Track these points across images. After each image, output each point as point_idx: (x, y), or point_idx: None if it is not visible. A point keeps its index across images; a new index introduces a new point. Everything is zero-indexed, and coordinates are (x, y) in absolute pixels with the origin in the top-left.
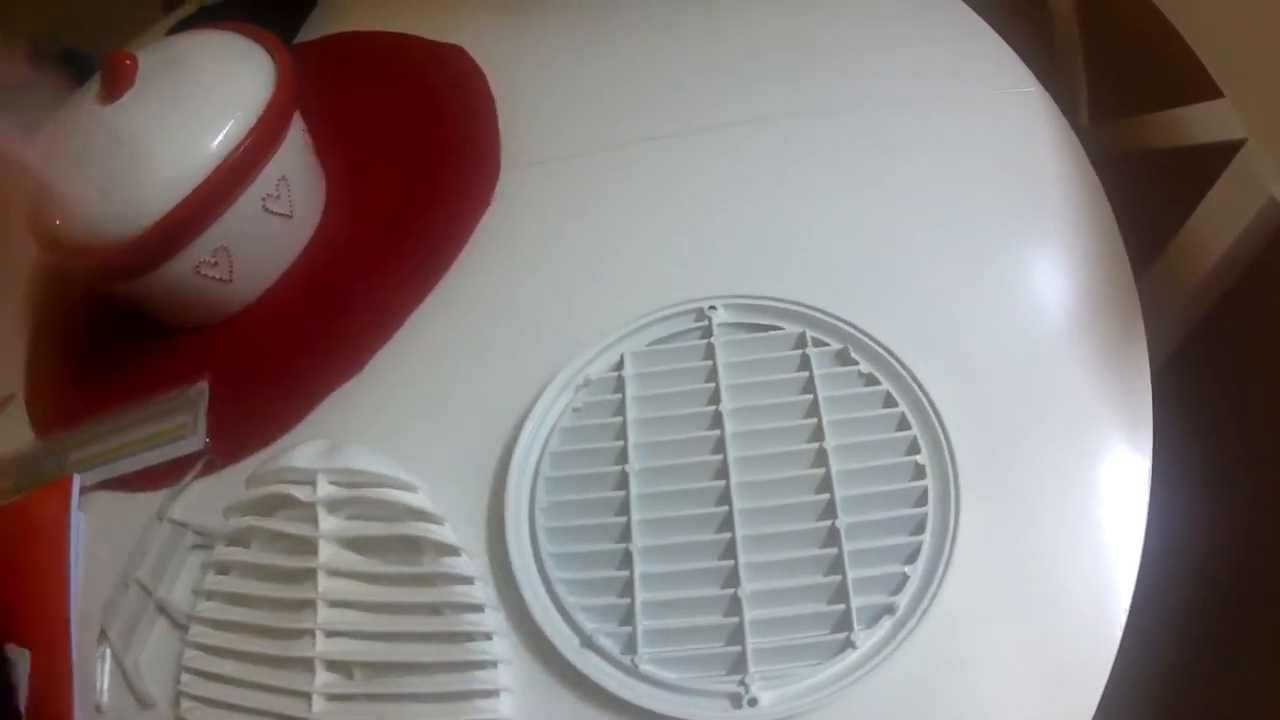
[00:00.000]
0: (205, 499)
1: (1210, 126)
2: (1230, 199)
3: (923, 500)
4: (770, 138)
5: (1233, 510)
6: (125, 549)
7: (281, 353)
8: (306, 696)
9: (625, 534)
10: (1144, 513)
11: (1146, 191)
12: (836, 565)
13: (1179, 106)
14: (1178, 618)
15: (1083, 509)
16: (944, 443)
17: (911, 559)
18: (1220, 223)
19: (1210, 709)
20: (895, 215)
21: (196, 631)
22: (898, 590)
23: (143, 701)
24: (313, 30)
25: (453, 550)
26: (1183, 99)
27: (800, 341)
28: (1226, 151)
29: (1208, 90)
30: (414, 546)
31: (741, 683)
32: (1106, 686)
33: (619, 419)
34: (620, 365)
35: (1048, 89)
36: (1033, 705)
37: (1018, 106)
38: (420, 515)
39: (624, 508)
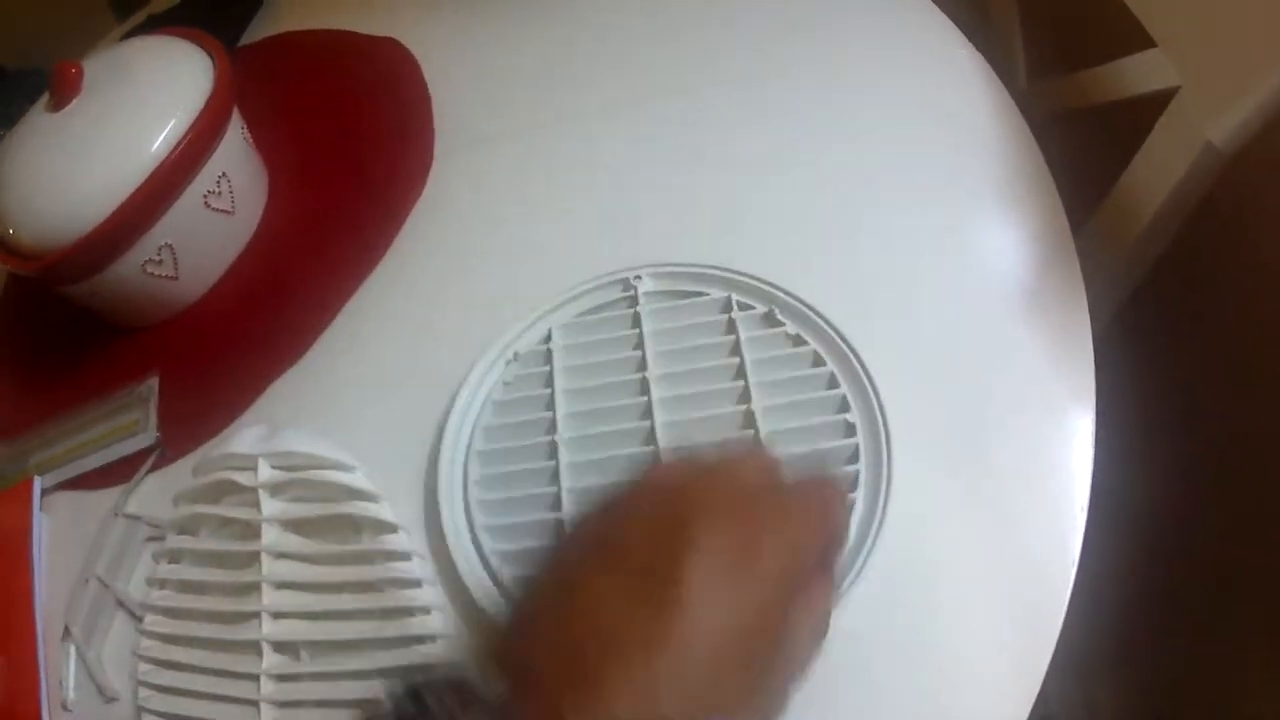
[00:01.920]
0: (159, 492)
1: (1144, 77)
2: (1167, 146)
3: (854, 458)
4: (692, 109)
5: (1178, 468)
6: (85, 547)
7: (227, 345)
8: (255, 678)
9: (556, 503)
10: (1089, 473)
11: (1091, 148)
12: None
13: (1114, 60)
14: (1124, 567)
15: (1025, 469)
16: (874, 400)
17: None
18: (1158, 171)
19: (1162, 657)
20: (824, 181)
21: (151, 621)
22: None
23: (106, 694)
24: (256, 33)
25: (390, 527)
26: (1119, 53)
27: (726, 306)
28: (1162, 101)
29: (1142, 41)
30: (353, 525)
31: None
32: (1074, 653)
33: (548, 390)
34: (548, 338)
35: (983, 53)
36: (980, 660)
37: (950, 70)
38: (358, 494)
39: (554, 478)
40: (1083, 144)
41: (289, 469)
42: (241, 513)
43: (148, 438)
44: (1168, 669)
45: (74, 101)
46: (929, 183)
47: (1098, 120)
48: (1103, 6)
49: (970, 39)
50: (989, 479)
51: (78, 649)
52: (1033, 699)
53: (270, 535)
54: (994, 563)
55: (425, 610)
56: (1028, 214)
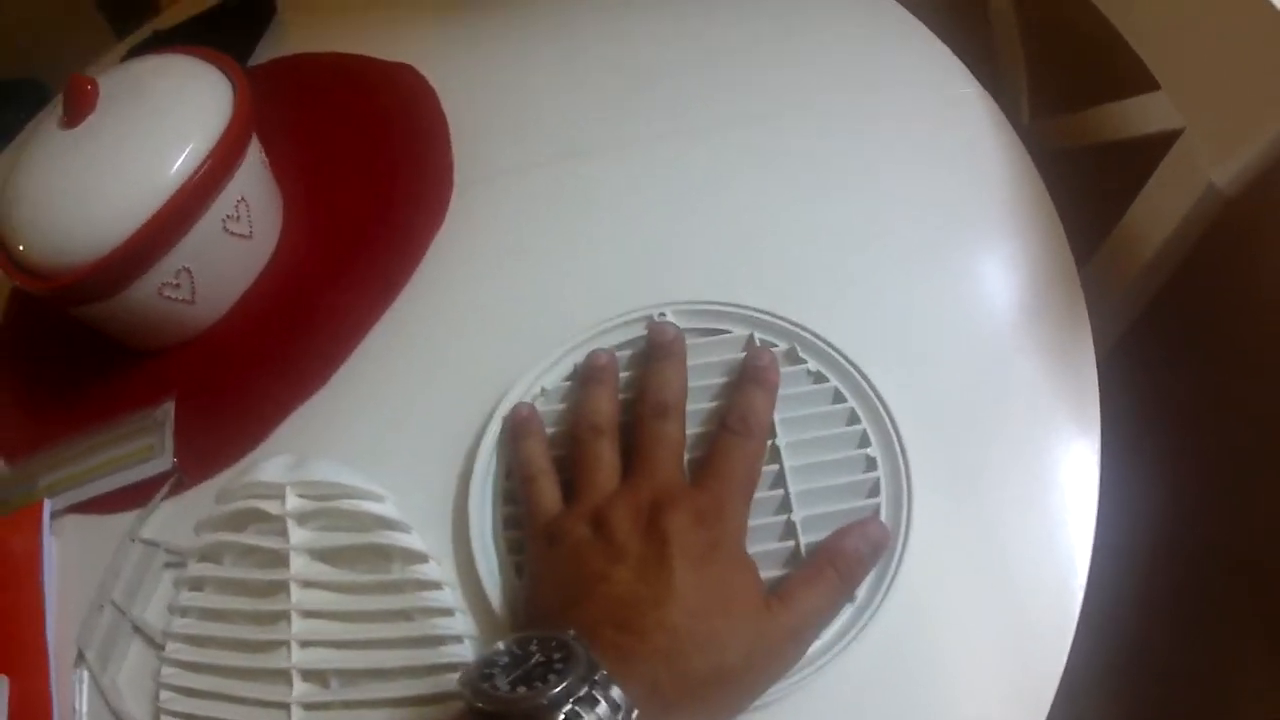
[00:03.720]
0: (176, 518)
1: (1148, 118)
2: (1170, 186)
3: (875, 491)
4: (713, 146)
5: (1179, 491)
6: (98, 572)
7: (245, 371)
8: (285, 707)
9: None
10: (1095, 496)
11: (1090, 185)
12: (794, 559)
13: (1118, 100)
14: (1131, 595)
15: (1035, 495)
16: (893, 435)
17: None
18: (1161, 210)
19: (1169, 686)
20: (839, 219)
21: (174, 648)
22: None
23: None
24: (264, 53)
25: (421, 557)
26: (1122, 93)
27: (748, 344)
28: (1166, 142)
29: (1145, 83)
30: (383, 555)
31: None
32: (1067, 666)
33: None
34: (574, 375)
35: (987, 89)
36: (995, 685)
37: (957, 107)
38: (388, 524)
39: None
40: (1083, 181)
41: (317, 498)
42: (269, 541)
43: (163, 463)
44: (1155, 685)
45: (89, 119)
46: (938, 218)
47: (1097, 158)
48: (1107, 47)
49: (974, 74)
50: (1001, 507)
51: (92, 675)
52: None
53: (298, 564)
54: (1005, 584)
55: (457, 639)
56: (1033, 249)
